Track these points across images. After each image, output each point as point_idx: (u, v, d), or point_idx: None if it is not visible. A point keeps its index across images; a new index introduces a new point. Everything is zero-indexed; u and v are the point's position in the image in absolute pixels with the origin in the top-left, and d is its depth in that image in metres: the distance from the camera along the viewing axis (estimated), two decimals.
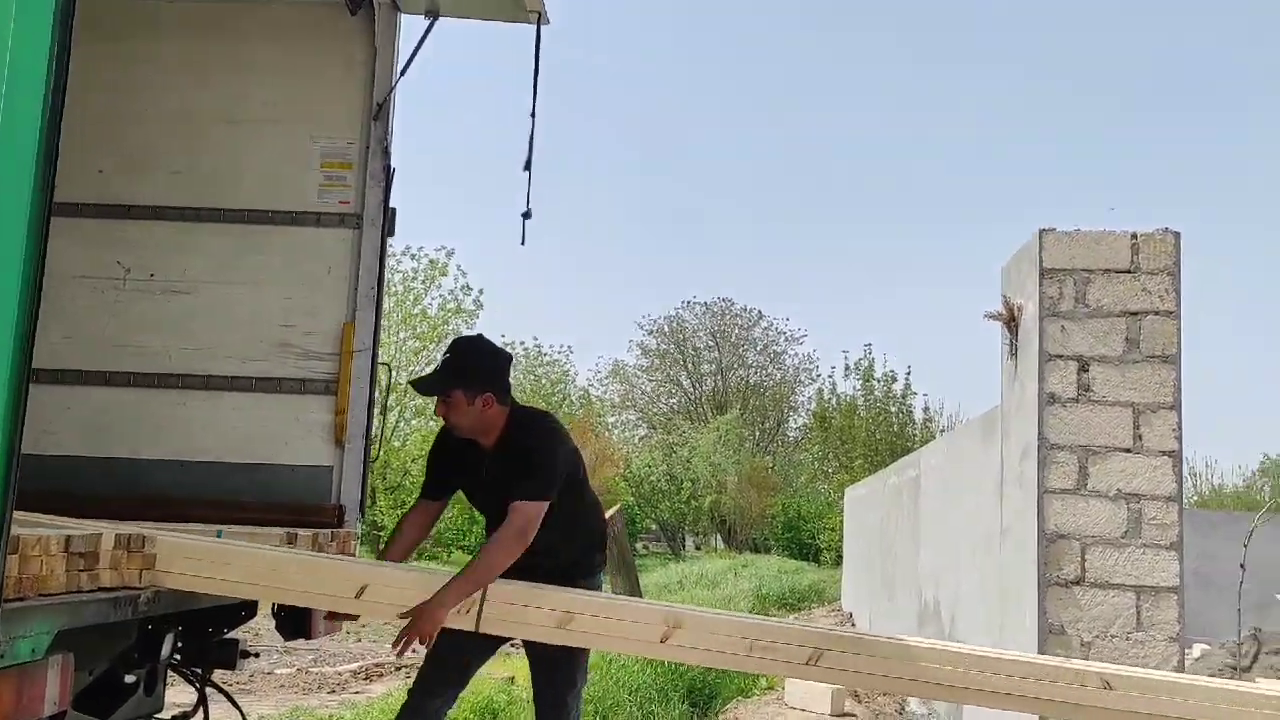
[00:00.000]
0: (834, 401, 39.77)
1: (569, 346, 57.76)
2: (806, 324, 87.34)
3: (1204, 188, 67.58)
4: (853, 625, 16.02)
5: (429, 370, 4.30)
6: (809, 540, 37.18)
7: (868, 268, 75.25)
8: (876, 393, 37.99)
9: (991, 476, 7.11)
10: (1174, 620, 5.28)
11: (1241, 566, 6.43)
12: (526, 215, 4.84)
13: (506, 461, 3.73)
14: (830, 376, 49.92)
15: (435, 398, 3.79)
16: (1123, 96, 72.43)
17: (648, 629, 3.56)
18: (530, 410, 4.02)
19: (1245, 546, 6.67)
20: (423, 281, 30.29)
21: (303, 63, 5.64)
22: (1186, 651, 5.53)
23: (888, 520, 12.60)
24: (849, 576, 18.34)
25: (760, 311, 52.52)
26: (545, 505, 3.65)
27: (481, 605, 3.41)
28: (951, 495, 8.65)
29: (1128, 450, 5.41)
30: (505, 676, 8.34)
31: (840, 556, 29.70)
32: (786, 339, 52.46)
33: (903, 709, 9.01)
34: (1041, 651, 5.29)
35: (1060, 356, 5.51)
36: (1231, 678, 10.97)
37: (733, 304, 52.35)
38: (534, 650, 3.92)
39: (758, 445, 49.55)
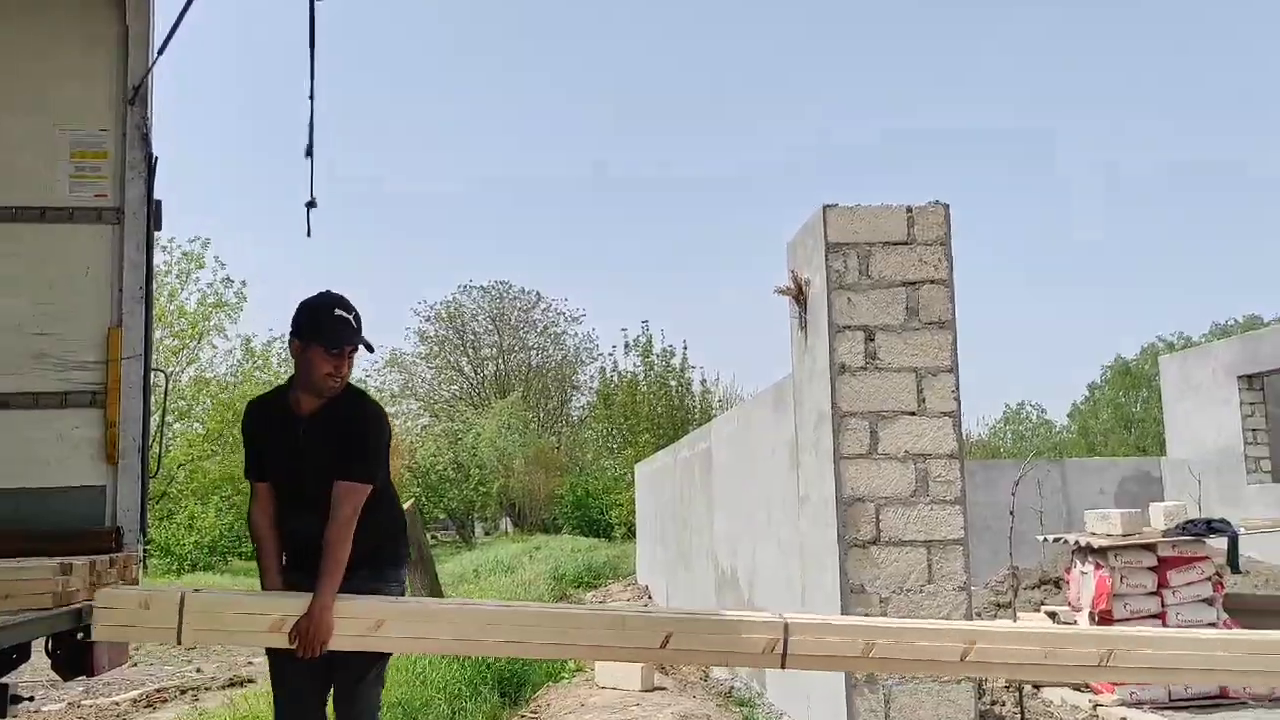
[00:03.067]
0: (616, 378, 40.26)
1: None
2: (586, 305, 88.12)
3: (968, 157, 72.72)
4: (649, 599, 16.31)
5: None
6: (599, 517, 37.60)
7: (646, 249, 76.63)
8: (656, 368, 38.71)
9: (785, 444, 7.35)
10: (961, 570, 5.62)
11: (1011, 513, 6.92)
12: (310, 204, 4.56)
13: (331, 431, 3.50)
14: (611, 354, 50.50)
15: (344, 349, 3.50)
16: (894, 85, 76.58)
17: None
18: (354, 385, 3.74)
19: (1014, 494, 7.18)
20: (177, 276, 28.46)
21: (40, 43, 5.10)
22: None
23: (681, 492, 12.85)
24: (643, 550, 18.64)
25: (539, 293, 52.55)
26: (369, 489, 3.48)
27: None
28: (745, 464, 8.89)
29: (913, 413, 5.69)
30: None
31: (633, 531, 30.22)
32: (566, 319, 52.72)
33: (706, 676, 9.22)
34: (844, 611, 5.51)
35: (848, 327, 5.73)
36: (996, 614, 11.89)
37: (511, 286, 52.09)
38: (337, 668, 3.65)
39: (542, 426, 49.60)
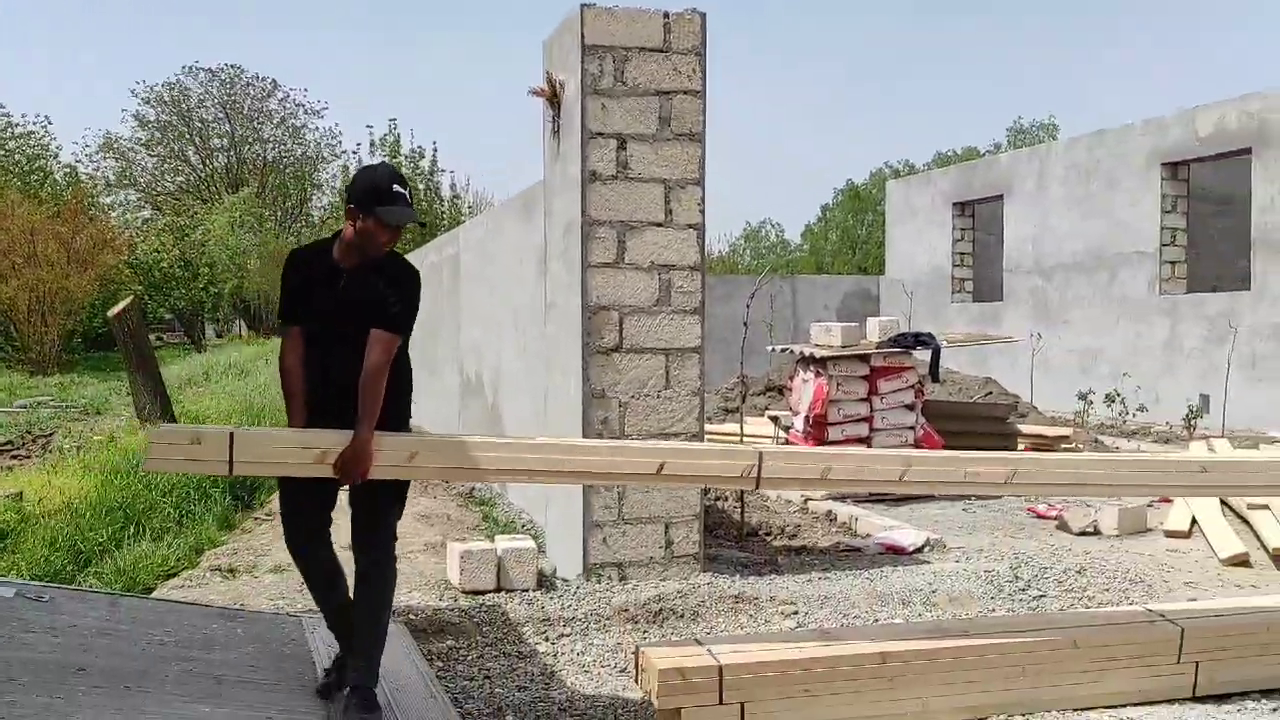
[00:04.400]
0: None
1: (46, 117, 50.06)
2: (326, 97, 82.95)
3: None
4: None
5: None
6: None
7: (396, 40, 72.22)
8: (405, 169, 37.32)
9: (534, 252, 7.32)
10: (696, 377, 5.88)
11: (745, 324, 7.26)
12: None
13: (373, 285, 3.66)
14: (355, 152, 48.09)
15: (402, 223, 3.68)
16: None
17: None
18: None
19: (749, 306, 7.51)
20: None
21: None
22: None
23: (429, 299, 12.64)
24: None
25: (275, 81, 48.96)
26: (399, 340, 3.66)
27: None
28: (494, 272, 8.82)
29: (660, 224, 5.78)
30: (12, 493, 7.46)
31: None
32: (306, 112, 49.57)
33: (472, 490, 9.36)
34: (584, 415, 5.67)
35: (601, 135, 5.67)
36: (724, 419, 12.67)
37: (243, 72, 48.14)
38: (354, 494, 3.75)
39: (280, 226, 47.18)
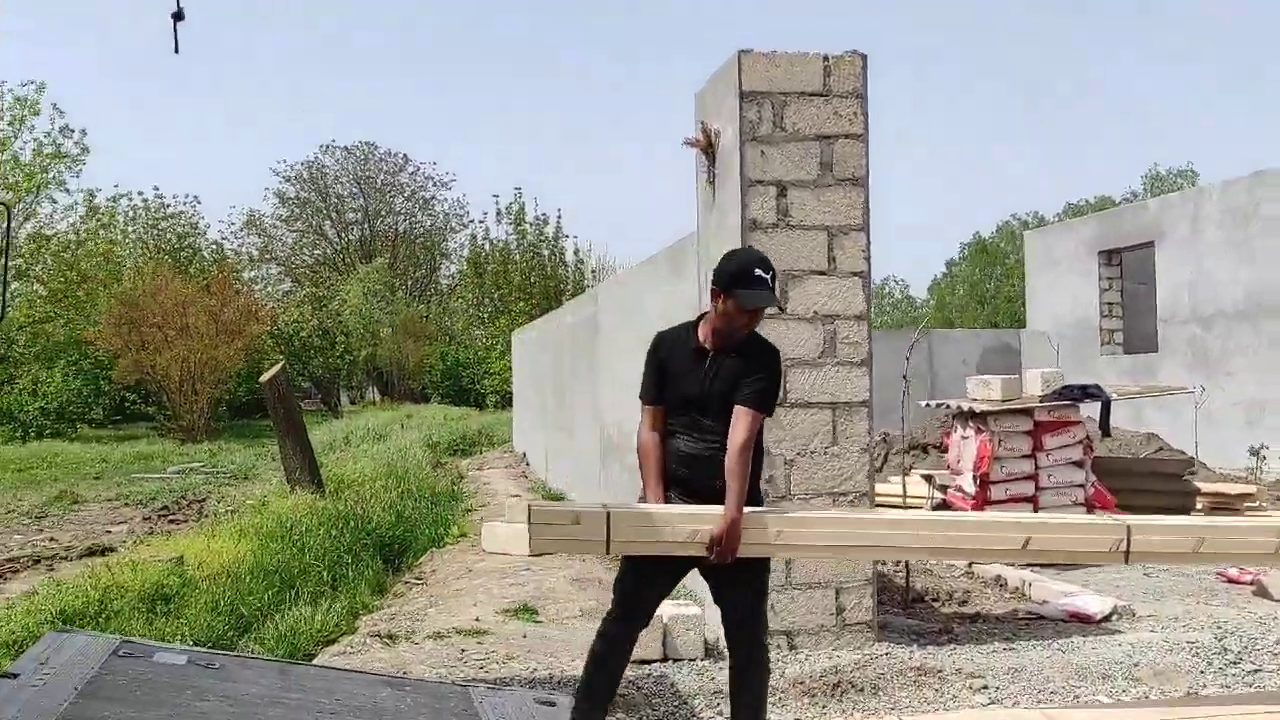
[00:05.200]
0: (487, 247, 39.41)
1: (195, 197, 52.91)
2: (454, 169, 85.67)
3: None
4: (527, 464, 16.24)
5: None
6: (470, 386, 37.30)
7: (523, 105, 74.38)
8: (529, 236, 38.00)
9: (683, 306, 7.14)
10: (865, 432, 5.57)
11: (904, 377, 6.92)
12: (178, 16, 3.99)
13: (738, 367, 3.73)
14: (483, 221, 49.38)
15: (760, 307, 3.75)
16: None
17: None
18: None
19: (907, 358, 7.17)
20: (9, 123, 26.19)
21: None
22: None
23: (565, 359, 12.64)
24: (520, 418, 18.48)
25: (406, 156, 50.72)
26: (763, 418, 3.73)
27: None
28: (636, 329, 8.69)
29: (823, 273, 5.54)
30: (173, 558, 7.57)
31: (507, 399, 30.05)
32: (435, 184, 51.16)
33: None
34: None
35: (761, 182, 5.49)
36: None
37: (377, 148, 50.09)
38: (715, 568, 3.73)
39: (411, 294, 48.55)
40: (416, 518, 9.65)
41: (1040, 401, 8.39)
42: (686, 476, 3.74)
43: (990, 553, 4.04)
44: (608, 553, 3.63)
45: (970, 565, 7.97)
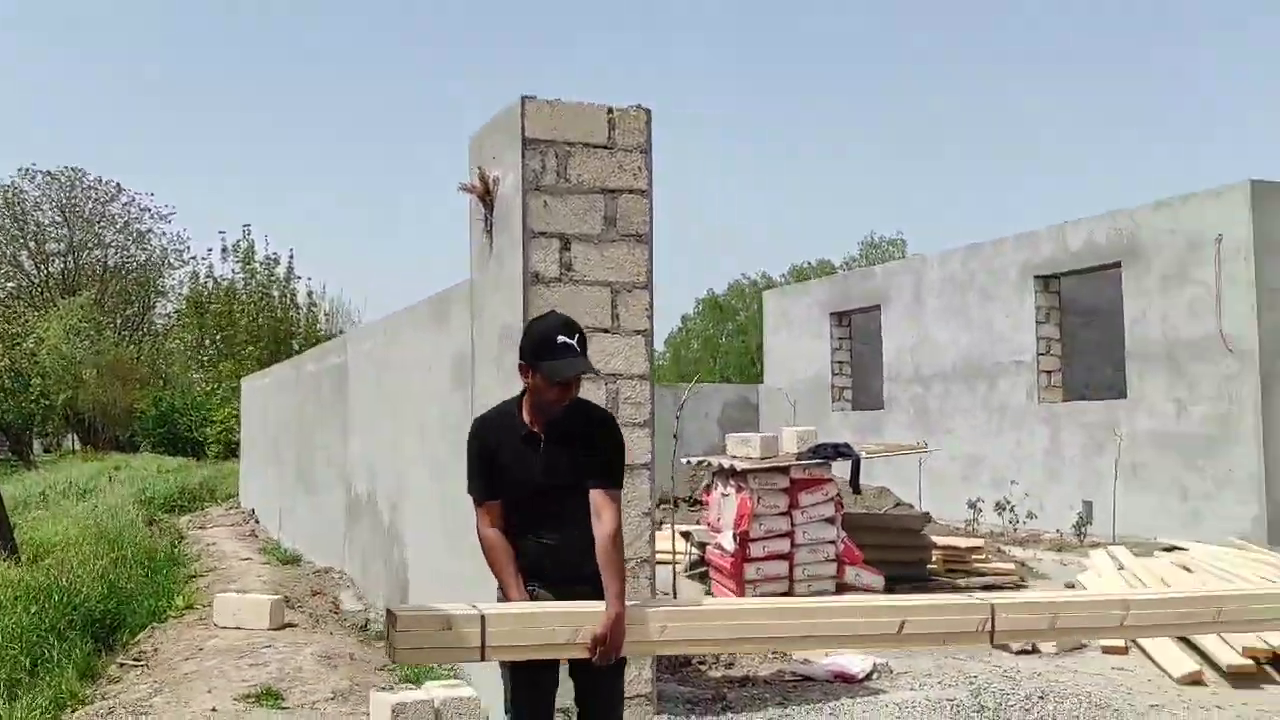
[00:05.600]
0: (210, 285, 36.93)
1: None
2: (175, 201, 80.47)
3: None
4: (256, 521, 15.07)
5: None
6: (188, 434, 34.64)
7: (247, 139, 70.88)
8: (259, 277, 35.97)
9: (448, 360, 6.76)
10: (647, 495, 5.39)
11: (675, 436, 6.84)
12: None
13: (573, 443, 3.48)
14: (205, 259, 46.34)
15: (569, 378, 3.46)
16: None
17: None
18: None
19: (678, 417, 7.10)
20: None
21: None
22: None
23: (305, 410, 11.81)
24: (249, 471, 17.18)
25: (119, 185, 46.89)
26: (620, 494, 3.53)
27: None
28: (394, 381, 8.18)
29: (606, 330, 5.34)
30: None
31: (232, 450, 28.02)
32: (152, 216, 47.55)
33: (338, 609, 8.50)
34: None
35: (544, 234, 5.24)
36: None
37: (85, 174, 46.04)
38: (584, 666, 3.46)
39: (120, 334, 44.74)
40: (133, 588, 8.59)
41: (796, 459, 8.56)
42: (550, 569, 3.49)
43: (869, 640, 3.94)
44: (483, 659, 3.26)
45: None
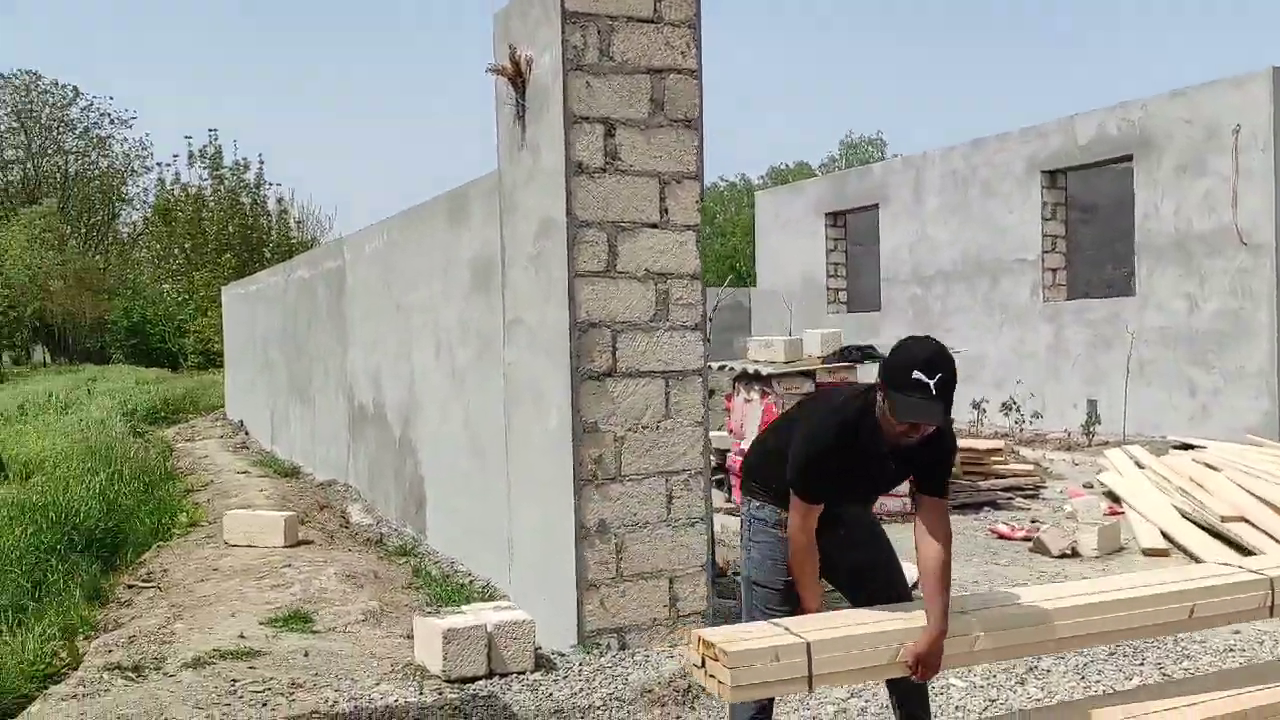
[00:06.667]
0: (178, 192, 35.84)
1: None
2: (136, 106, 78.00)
3: None
4: (246, 434, 14.68)
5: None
6: (159, 345, 33.98)
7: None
8: (228, 182, 34.94)
9: (466, 262, 6.33)
10: (699, 403, 5.04)
11: (707, 339, 6.45)
12: None
13: (915, 456, 3.12)
14: (171, 165, 44.96)
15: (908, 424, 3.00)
16: None
17: None
18: None
19: (710, 320, 6.72)
20: None
21: None
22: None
23: (298, 317, 11.32)
24: (235, 382, 16.71)
25: (77, 88, 45.21)
26: None
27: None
28: (401, 285, 7.73)
29: (655, 226, 4.92)
30: None
31: (212, 360, 27.46)
32: (112, 121, 45.98)
33: (348, 524, 8.18)
34: (576, 451, 4.75)
35: (587, 119, 4.78)
36: None
37: (40, 78, 44.33)
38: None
39: (85, 243, 43.65)
40: (131, 505, 8.21)
41: (823, 363, 8.24)
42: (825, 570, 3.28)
43: (1164, 627, 3.59)
44: (810, 690, 3.02)
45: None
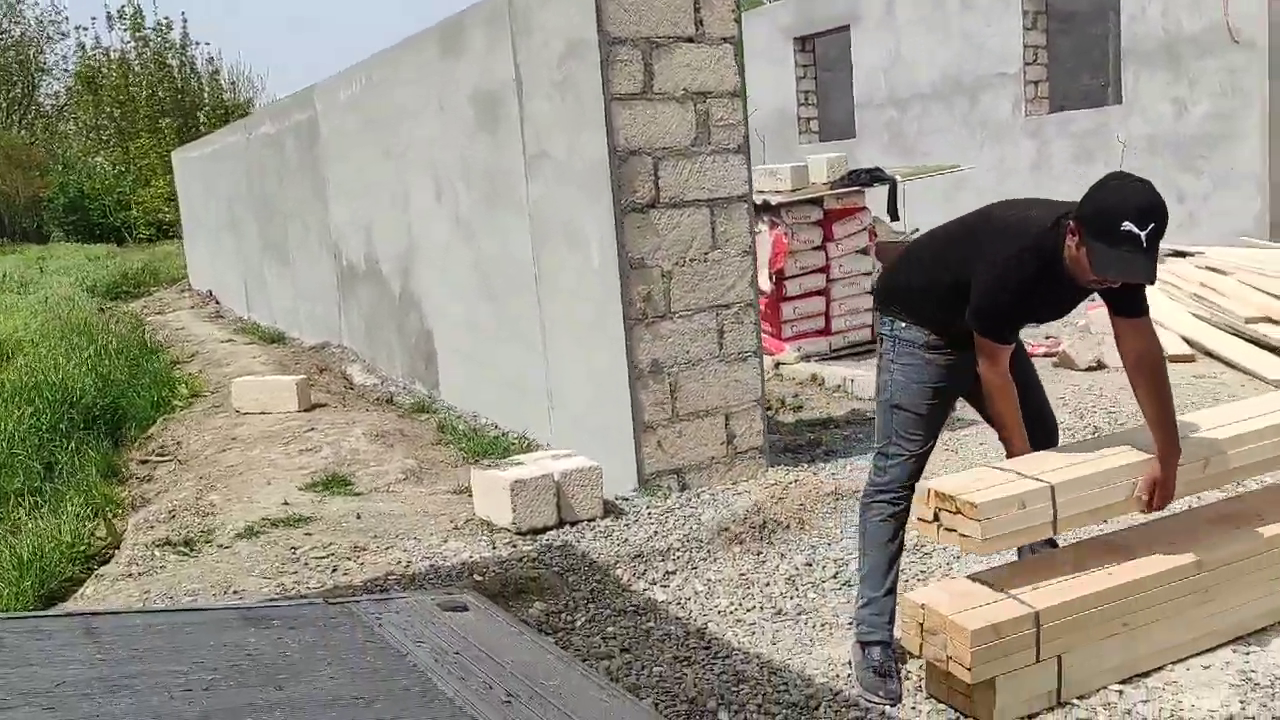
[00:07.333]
0: (100, 58, 33.99)
1: None
2: None
3: None
4: (217, 303, 14.23)
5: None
6: (101, 219, 32.78)
7: None
8: (153, 44, 33.16)
9: (466, 95, 5.91)
10: (745, 231, 4.79)
11: None
12: None
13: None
14: (90, 28, 42.55)
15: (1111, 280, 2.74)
16: None
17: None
18: None
19: None
20: None
21: None
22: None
23: (265, 176, 10.76)
24: (197, 251, 16.10)
25: None
26: None
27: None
28: (387, 129, 7.27)
29: (690, 39, 4.55)
30: None
31: (163, 232, 26.55)
32: None
33: (351, 383, 7.93)
34: (625, 291, 4.50)
35: None
36: None
37: None
38: None
39: (8, 118, 41.59)
40: (124, 380, 7.88)
41: (830, 189, 7.96)
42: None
43: None
44: (1054, 532, 2.89)
45: (777, 366, 7.59)
